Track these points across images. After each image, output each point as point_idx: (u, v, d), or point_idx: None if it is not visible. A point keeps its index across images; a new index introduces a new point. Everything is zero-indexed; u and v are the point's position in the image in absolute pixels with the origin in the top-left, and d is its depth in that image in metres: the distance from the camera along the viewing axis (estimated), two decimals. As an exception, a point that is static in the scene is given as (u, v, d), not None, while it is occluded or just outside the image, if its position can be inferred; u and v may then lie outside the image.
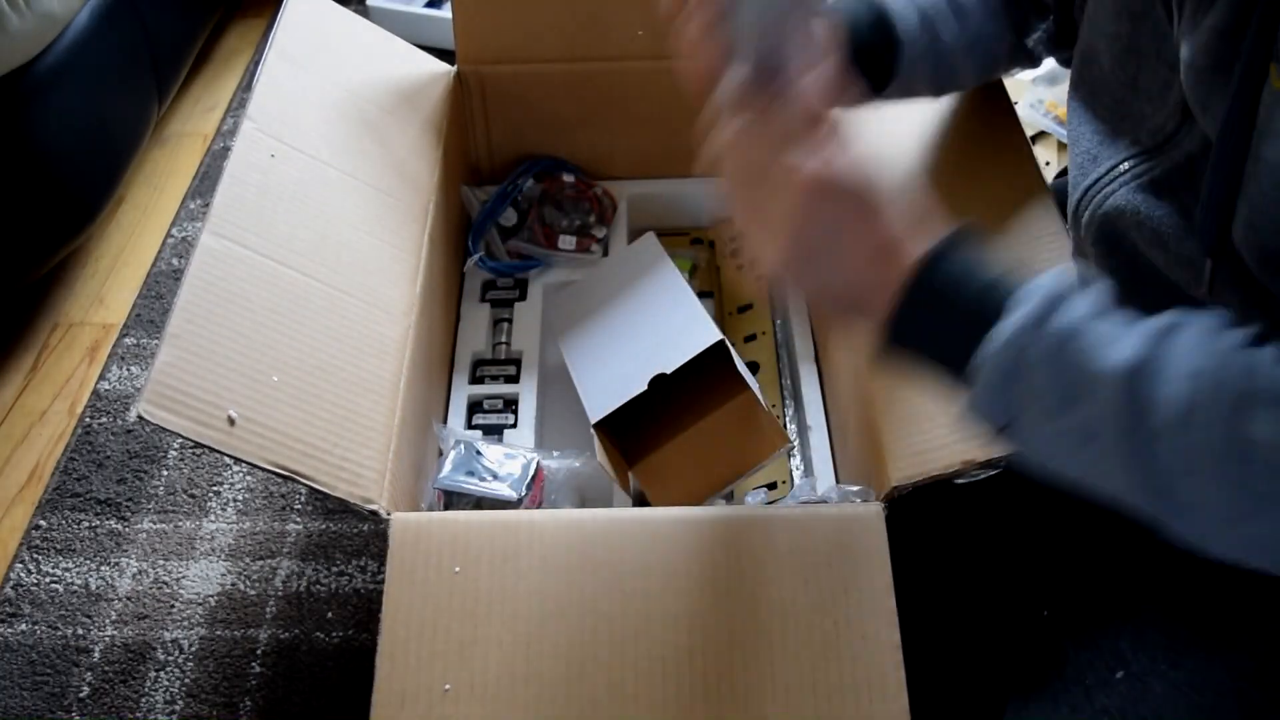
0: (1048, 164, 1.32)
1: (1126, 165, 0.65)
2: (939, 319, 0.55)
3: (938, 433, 0.71)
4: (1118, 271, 0.67)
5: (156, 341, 1.20)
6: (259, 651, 0.95)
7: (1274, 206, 0.51)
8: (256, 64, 1.61)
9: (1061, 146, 1.34)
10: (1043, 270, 0.56)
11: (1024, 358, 0.52)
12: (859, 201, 0.56)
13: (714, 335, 0.83)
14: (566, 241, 1.06)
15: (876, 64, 0.77)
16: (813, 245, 0.57)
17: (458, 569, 0.67)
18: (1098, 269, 0.68)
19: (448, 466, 0.82)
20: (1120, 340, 0.51)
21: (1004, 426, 0.54)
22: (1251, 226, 0.53)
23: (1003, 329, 0.52)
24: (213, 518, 1.06)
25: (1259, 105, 0.52)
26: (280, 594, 0.99)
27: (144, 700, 0.92)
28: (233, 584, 1.00)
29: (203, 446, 0.65)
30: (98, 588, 1.00)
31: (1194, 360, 0.50)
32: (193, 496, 1.08)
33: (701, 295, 1.02)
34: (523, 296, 1.05)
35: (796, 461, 0.95)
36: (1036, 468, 0.55)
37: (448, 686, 0.64)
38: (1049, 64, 0.82)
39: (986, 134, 0.89)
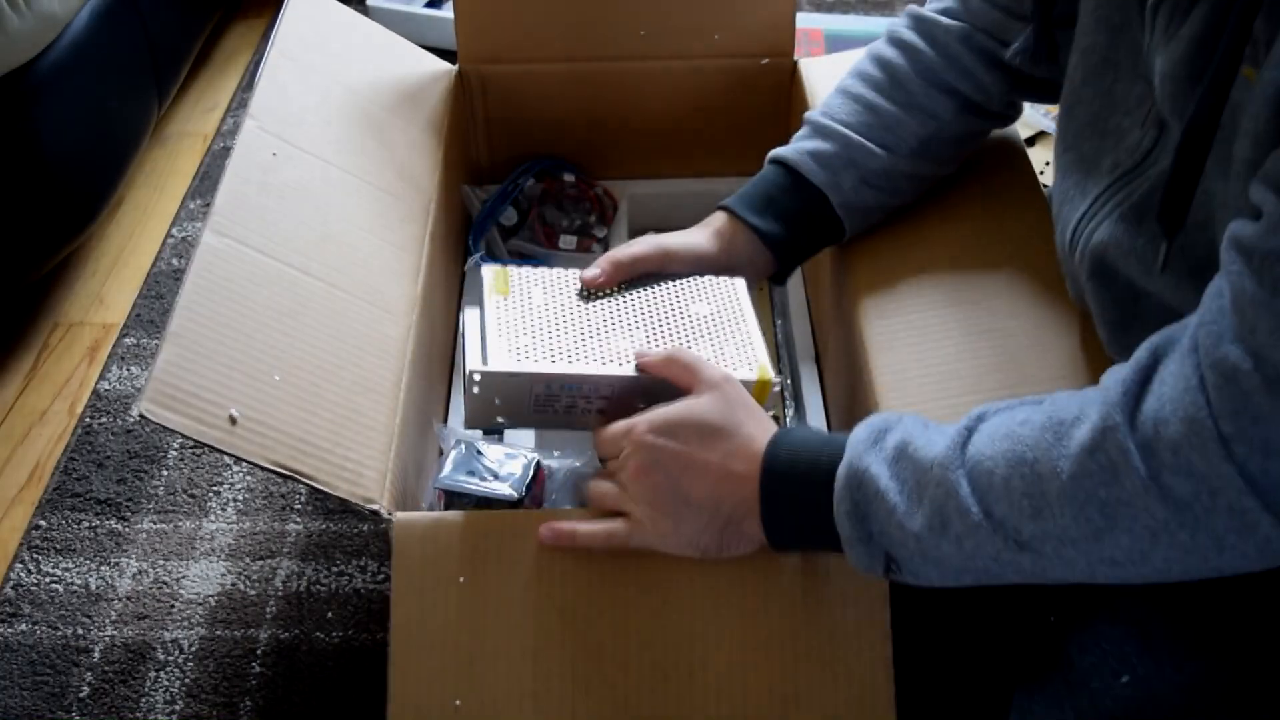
0: (1047, 164, 1.32)
1: (1109, 193, 0.65)
2: (795, 503, 0.62)
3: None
4: (1117, 304, 0.67)
5: (156, 341, 1.20)
6: (259, 651, 0.95)
7: (1245, 202, 0.52)
8: (257, 64, 1.61)
9: (1062, 147, 1.33)
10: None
11: (865, 485, 0.58)
12: (704, 437, 0.64)
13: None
14: (567, 241, 1.07)
15: (812, 215, 0.82)
16: (667, 480, 0.65)
17: (463, 579, 0.67)
18: (1096, 303, 0.68)
19: (448, 466, 0.82)
20: (943, 433, 0.57)
21: (886, 561, 0.59)
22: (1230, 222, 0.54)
23: (840, 472, 0.59)
24: (213, 518, 1.06)
25: (1227, 101, 0.53)
26: (280, 594, 0.99)
27: (144, 700, 0.92)
28: (233, 584, 1.00)
29: (204, 446, 0.65)
30: (98, 588, 1.00)
31: (1006, 422, 0.55)
32: (193, 496, 1.07)
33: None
34: (523, 296, 1.05)
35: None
36: (939, 581, 0.59)
37: (458, 702, 0.65)
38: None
39: (985, 146, 0.89)
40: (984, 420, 0.57)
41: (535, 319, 0.74)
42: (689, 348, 0.73)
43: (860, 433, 0.60)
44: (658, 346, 0.73)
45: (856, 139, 0.80)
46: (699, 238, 0.81)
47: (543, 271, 0.78)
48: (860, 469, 0.58)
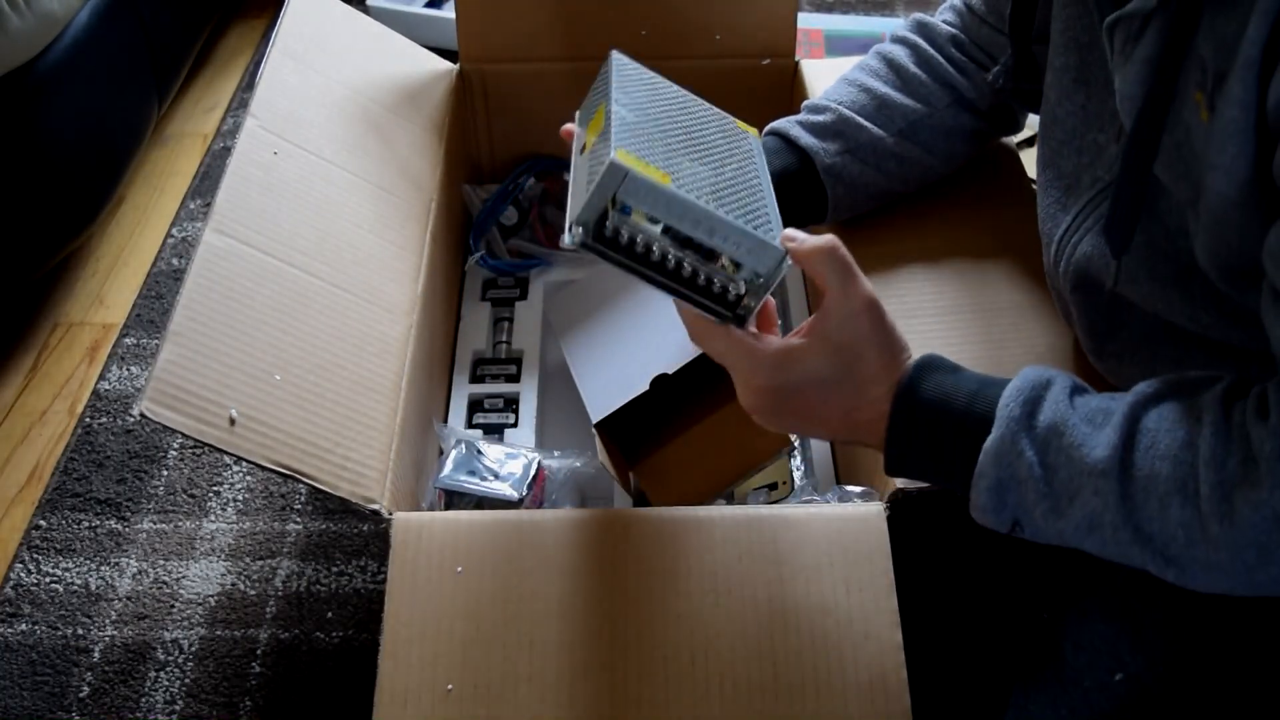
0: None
1: (1089, 208, 0.66)
2: (928, 449, 0.59)
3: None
4: (1101, 315, 0.68)
5: (156, 341, 1.20)
6: (259, 651, 0.95)
7: (1226, 231, 0.53)
8: (257, 64, 1.61)
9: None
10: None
11: (1014, 471, 0.56)
12: (809, 392, 0.59)
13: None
14: (567, 241, 1.06)
15: (797, 176, 0.81)
16: (786, 424, 0.61)
17: (460, 569, 0.67)
18: (1081, 315, 0.69)
19: (449, 466, 0.82)
20: (1098, 433, 0.55)
21: (1013, 525, 0.58)
22: (1210, 251, 0.55)
23: (989, 446, 0.56)
24: (213, 518, 1.05)
25: (1172, 127, 0.55)
26: (280, 594, 0.99)
27: (144, 700, 0.92)
28: (233, 584, 1.00)
29: (204, 445, 0.65)
30: (98, 588, 1.00)
31: (1167, 439, 0.53)
32: (193, 496, 1.07)
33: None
34: (524, 295, 1.05)
35: (797, 462, 0.94)
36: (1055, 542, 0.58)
37: (450, 686, 0.64)
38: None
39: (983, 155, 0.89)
40: (1146, 419, 0.55)
41: (718, 192, 0.60)
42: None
43: (1011, 401, 0.56)
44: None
45: (847, 113, 0.82)
46: None
47: (633, 126, 0.61)
48: (1013, 450, 0.56)
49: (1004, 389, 0.57)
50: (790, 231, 0.60)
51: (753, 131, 0.71)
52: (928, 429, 0.58)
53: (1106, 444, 0.54)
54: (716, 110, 0.71)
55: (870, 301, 0.59)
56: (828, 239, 0.59)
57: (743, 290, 0.59)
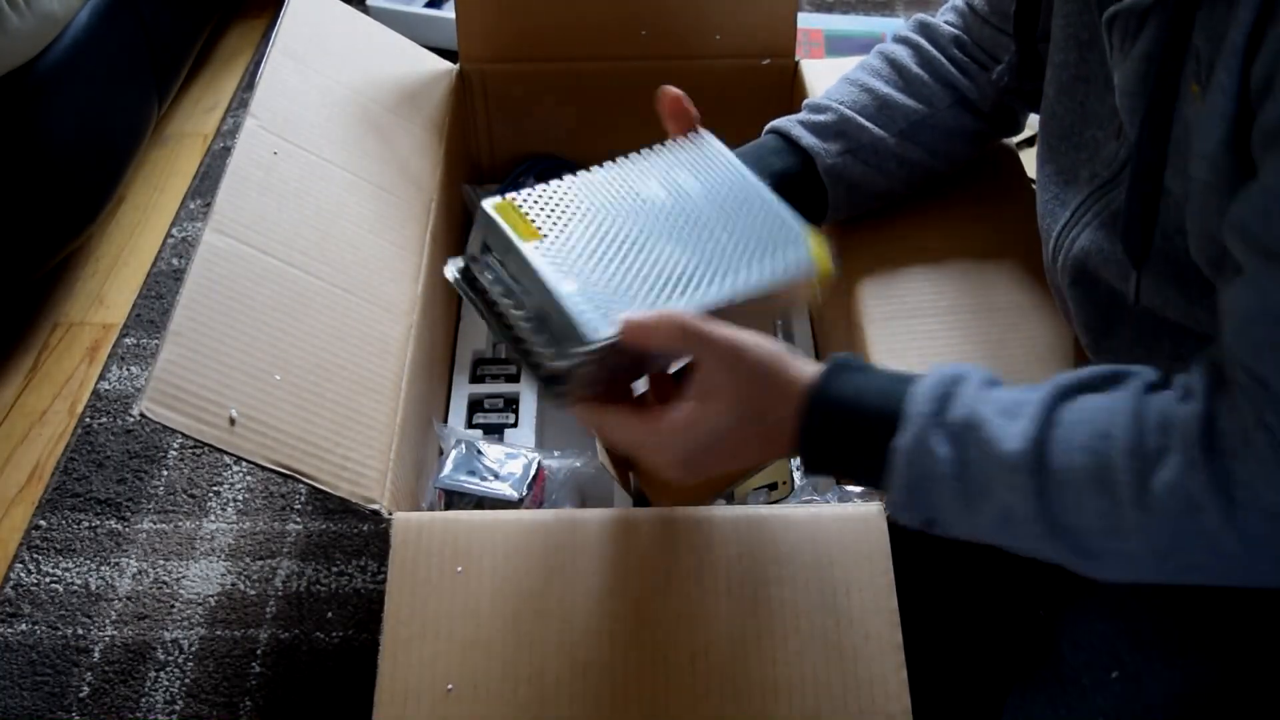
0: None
1: (1088, 203, 0.66)
2: (840, 448, 0.59)
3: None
4: (1099, 311, 0.68)
5: (156, 341, 1.20)
6: (259, 651, 0.95)
7: (1208, 220, 0.53)
8: (257, 64, 1.61)
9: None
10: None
11: (926, 468, 0.56)
12: (719, 445, 0.59)
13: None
14: (567, 241, 1.06)
15: (798, 177, 0.81)
16: (702, 466, 0.60)
17: (460, 569, 0.67)
18: (1079, 310, 0.69)
19: (449, 466, 0.82)
20: (1013, 425, 0.54)
21: (927, 522, 0.58)
22: (1197, 243, 0.56)
23: (900, 444, 0.56)
24: (213, 518, 1.05)
25: (1174, 124, 0.55)
26: (280, 594, 0.99)
27: (144, 700, 0.92)
28: (233, 584, 1.00)
29: (204, 445, 0.65)
30: (98, 588, 1.00)
31: (1085, 431, 0.53)
32: (193, 496, 1.07)
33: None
34: (524, 296, 1.05)
35: (797, 462, 0.94)
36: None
37: (450, 686, 0.64)
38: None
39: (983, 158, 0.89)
40: (1061, 412, 0.54)
41: (597, 258, 0.59)
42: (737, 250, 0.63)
43: (923, 396, 0.56)
44: (708, 263, 0.62)
45: (849, 113, 0.81)
46: None
47: (554, 189, 0.62)
48: (924, 448, 0.55)
49: (916, 385, 0.57)
50: (631, 314, 0.56)
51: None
52: (840, 428, 0.58)
53: (1021, 436, 0.54)
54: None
55: (730, 343, 0.57)
56: (662, 315, 0.56)
57: (556, 364, 0.58)
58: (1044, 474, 0.53)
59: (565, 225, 0.60)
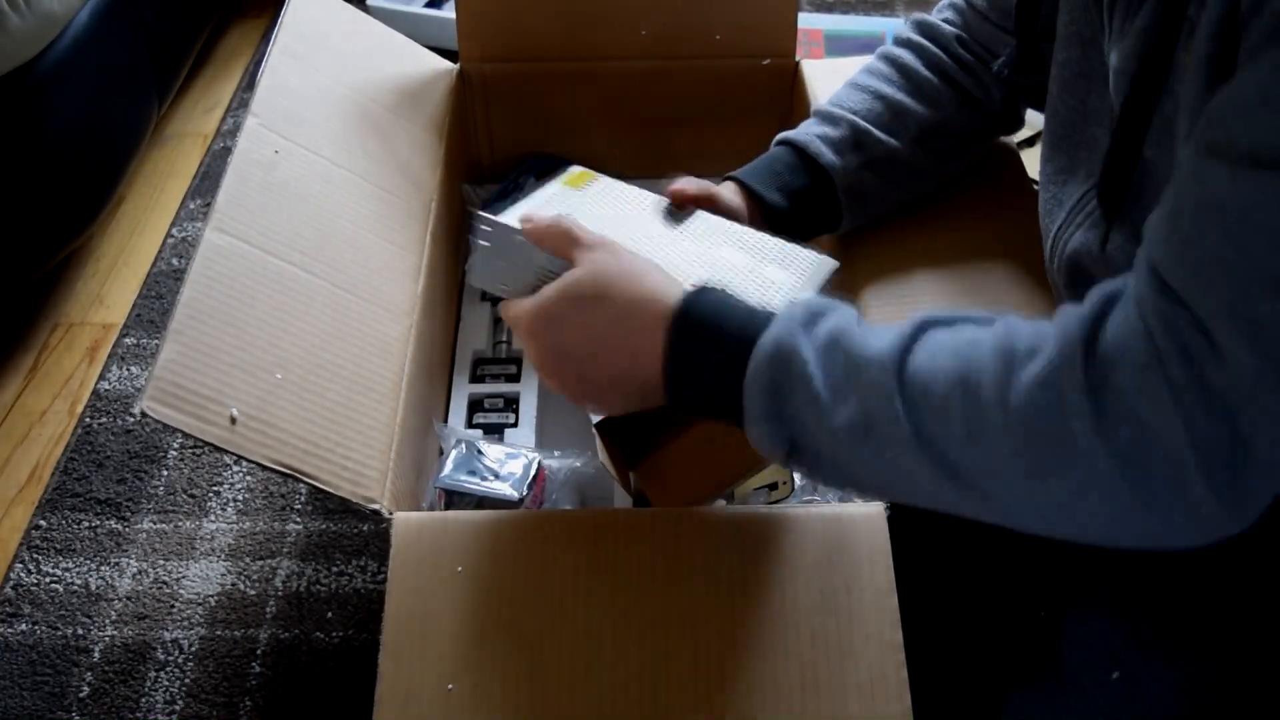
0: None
1: (1084, 201, 0.66)
2: (708, 369, 0.57)
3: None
4: None
5: (156, 341, 1.20)
6: (259, 651, 0.95)
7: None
8: (257, 64, 1.61)
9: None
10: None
11: (788, 369, 0.53)
12: (585, 309, 0.61)
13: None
14: (568, 241, 1.06)
15: (816, 201, 0.81)
16: (569, 366, 0.62)
17: (460, 569, 0.67)
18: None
19: (449, 466, 0.82)
20: (882, 334, 0.53)
21: (790, 446, 0.55)
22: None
23: (763, 341, 0.54)
24: (213, 518, 1.05)
25: (1162, 96, 0.54)
26: (280, 594, 0.99)
27: (144, 700, 0.92)
28: (233, 584, 1.00)
29: (205, 444, 0.65)
30: (98, 588, 1.00)
31: (954, 340, 0.51)
32: (193, 496, 1.07)
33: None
34: (524, 296, 1.05)
35: (798, 462, 0.94)
36: (837, 485, 0.57)
37: (450, 686, 0.64)
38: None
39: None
40: (928, 330, 0.53)
41: (586, 216, 0.67)
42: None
43: (794, 310, 0.55)
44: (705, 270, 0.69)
45: (863, 125, 0.81)
46: (729, 194, 0.81)
47: (622, 187, 0.77)
48: (788, 346, 0.54)
49: (788, 308, 0.56)
50: (526, 213, 0.66)
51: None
52: (707, 345, 0.57)
53: (888, 343, 0.52)
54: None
55: (606, 248, 0.62)
56: (556, 218, 0.64)
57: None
58: (908, 374, 0.51)
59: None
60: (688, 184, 0.75)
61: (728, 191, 0.80)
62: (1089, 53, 0.67)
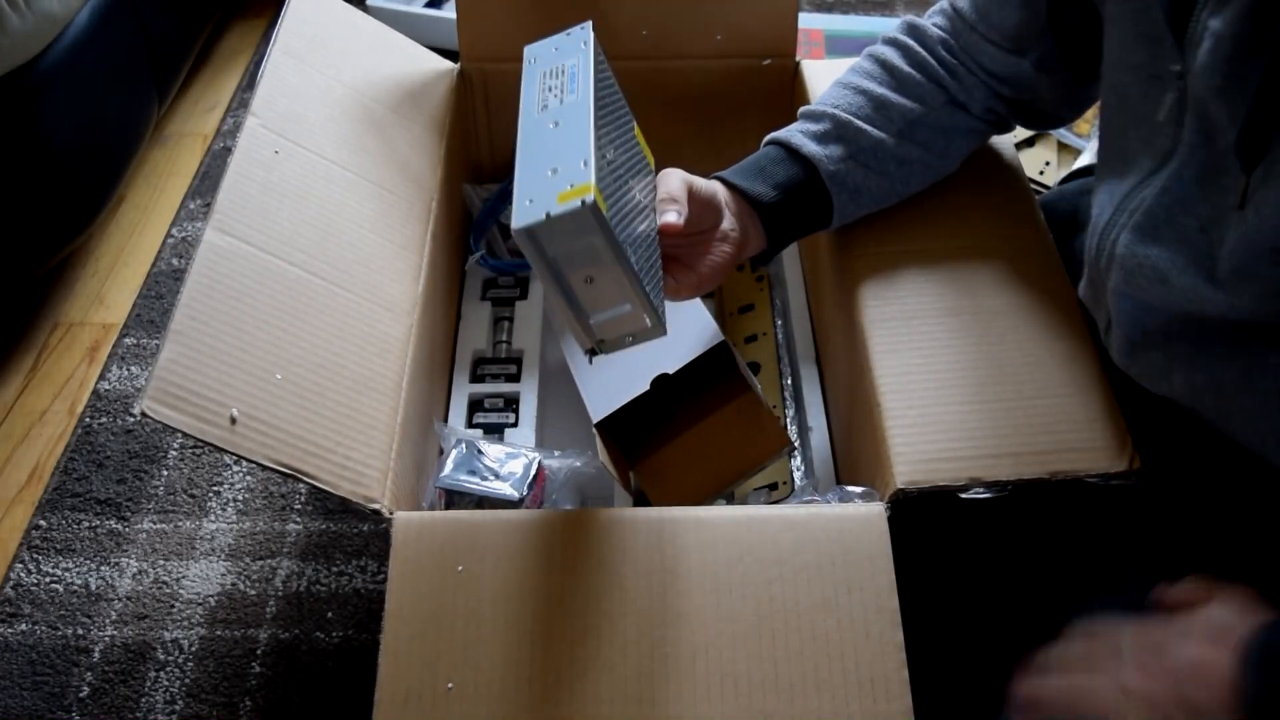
0: (1048, 164, 1.32)
1: (1131, 200, 0.65)
2: None
3: (945, 441, 0.71)
4: (1137, 307, 0.66)
5: (156, 341, 1.20)
6: (259, 651, 0.95)
7: None
8: (257, 64, 1.61)
9: (1062, 146, 1.34)
10: None
11: None
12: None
13: (717, 336, 0.83)
14: (568, 241, 1.06)
15: (802, 185, 0.81)
16: None
17: (461, 568, 0.67)
18: (1115, 306, 0.68)
19: (449, 465, 0.82)
20: None
21: None
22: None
23: None
24: (213, 518, 1.05)
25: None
26: (280, 594, 0.99)
27: (144, 700, 0.92)
28: (233, 584, 1.00)
29: (205, 444, 0.65)
30: (98, 588, 1.00)
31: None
32: (193, 496, 1.07)
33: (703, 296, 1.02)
34: (524, 295, 1.05)
35: (797, 462, 0.94)
36: None
37: (450, 685, 0.64)
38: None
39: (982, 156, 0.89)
40: None
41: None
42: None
43: None
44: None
45: (845, 117, 0.81)
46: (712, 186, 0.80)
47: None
48: None
49: None
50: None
51: (651, 161, 0.77)
52: None
53: None
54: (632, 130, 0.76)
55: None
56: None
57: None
58: None
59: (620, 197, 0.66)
60: (671, 210, 0.72)
61: (714, 190, 0.80)
62: (1157, 51, 0.64)
